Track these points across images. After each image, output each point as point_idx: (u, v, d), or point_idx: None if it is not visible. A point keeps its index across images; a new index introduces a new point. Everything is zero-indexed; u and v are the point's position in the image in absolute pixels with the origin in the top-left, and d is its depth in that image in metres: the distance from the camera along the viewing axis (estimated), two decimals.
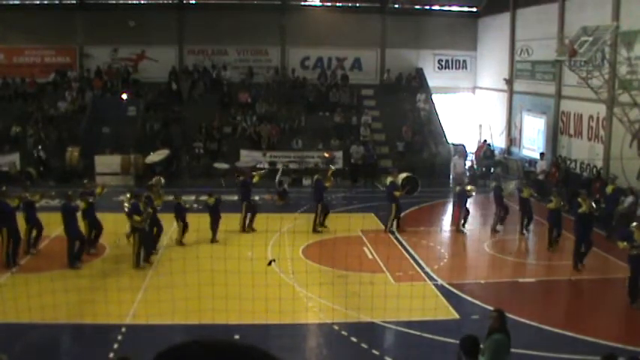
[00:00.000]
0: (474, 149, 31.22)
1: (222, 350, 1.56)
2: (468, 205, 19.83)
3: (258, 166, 27.53)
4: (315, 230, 19.09)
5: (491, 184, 21.08)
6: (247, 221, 19.14)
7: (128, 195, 16.45)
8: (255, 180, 20.24)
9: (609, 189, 19.57)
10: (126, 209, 15.82)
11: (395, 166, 23.33)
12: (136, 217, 15.43)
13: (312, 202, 20.15)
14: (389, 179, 20.42)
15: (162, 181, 18.35)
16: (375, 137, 29.98)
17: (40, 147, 26.74)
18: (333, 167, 21.22)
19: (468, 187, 20.24)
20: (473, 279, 15.54)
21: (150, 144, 27.55)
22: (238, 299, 11.75)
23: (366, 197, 24.08)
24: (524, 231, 19.12)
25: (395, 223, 19.50)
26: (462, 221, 19.67)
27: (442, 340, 11.65)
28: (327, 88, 32.09)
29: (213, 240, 17.87)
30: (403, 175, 22.33)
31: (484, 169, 29.09)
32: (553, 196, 17.25)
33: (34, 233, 16.59)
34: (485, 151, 29.74)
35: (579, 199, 15.77)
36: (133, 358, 8.20)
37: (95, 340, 11.62)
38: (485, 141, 30.39)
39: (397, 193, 19.62)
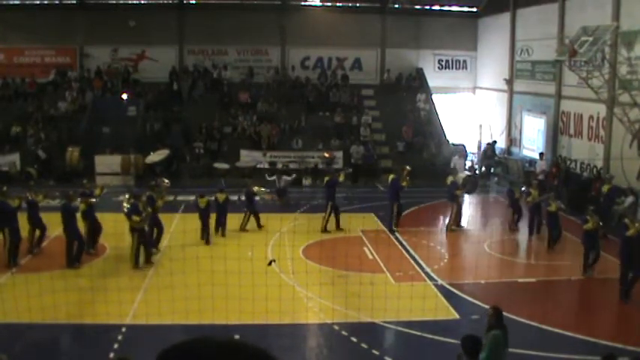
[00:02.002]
0: (475, 149, 31.24)
1: (223, 348, 1.58)
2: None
3: (258, 166, 27.58)
4: (392, 230, 19.32)
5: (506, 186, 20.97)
6: (326, 222, 19.20)
7: (128, 195, 16.46)
8: (340, 180, 20.29)
9: (605, 188, 19.70)
10: (125, 209, 15.81)
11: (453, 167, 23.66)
12: (135, 218, 15.42)
13: (388, 201, 20.17)
14: (450, 178, 20.63)
15: (167, 182, 18.43)
16: (375, 137, 29.99)
17: (39, 146, 26.76)
18: (408, 167, 20.96)
19: (523, 188, 20.23)
20: (473, 279, 15.53)
21: (150, 144, 27.56)
22: (238, 299, 11.76)
23: (366, 197, 24.08)
24: (549, 247, 17.79)
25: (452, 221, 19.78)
26: (515, 222, 19.80)
27: (442, 340, 11.65)
28: (327, 88, 32.10)
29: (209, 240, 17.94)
30: (463, 174, 22.74)
31: (484, 168, 29.11)
32: (589, 215, 15.19)
33: (37, 233, 16.62)
34: (486, 150, 29.74)
35: (626, 221, 14.14)
36: (132, 358, 8.22)
37: (95, 340, 11.62)
38: (495, 142, 30.17)
39: (458, 192, 19.89)
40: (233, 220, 18.91)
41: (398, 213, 19.58)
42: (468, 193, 21.99)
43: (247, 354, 1.58)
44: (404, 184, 19.81)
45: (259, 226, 19.11)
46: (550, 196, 18.07)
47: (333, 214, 19.24)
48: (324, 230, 19.05)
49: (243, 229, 18.96)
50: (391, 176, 20.30)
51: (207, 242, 17.72)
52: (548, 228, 17.86)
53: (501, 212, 21.77)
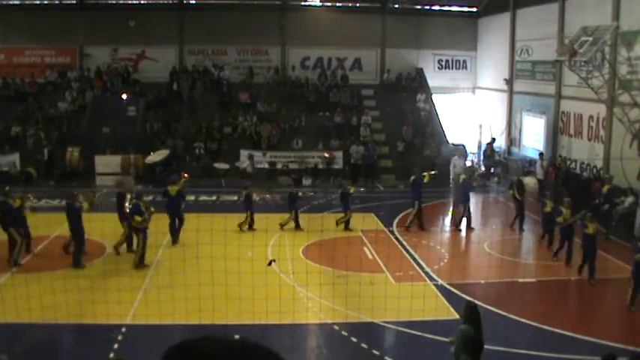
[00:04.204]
0: (475, 149, 31.18)
1: (231, 347, 1.57)
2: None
3: (257, 166, 27.57)
4: (457, 228, 19.99)
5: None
6: (419, 220, 19.80)
7: (130, 195, 16.45)
8: (425, 180, 20.55)
9: (604, 188, 19.68)
10: (127, 210, 15.82)
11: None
12: (137, 218, 15.43)
13: (459, 201, 20.74)
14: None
15: (186, 175, 18.65)
16: (375, 137, 29.98)
17: (43, 146, 26.78)
18: (478, 169, 21.54)
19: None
20: (473, 279, 15.54)
21: (150, 144, 27.55)
22: (238, 299, 11.77)
23: (366, 197, 24.07)
24: (587, 276, 15.20)
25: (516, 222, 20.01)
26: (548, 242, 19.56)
27: (442, 340, 11.64)
28: (327, 88, 32.10)
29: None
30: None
31: (484, 168, 29.09)
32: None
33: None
34: (485, 149, 29.71)
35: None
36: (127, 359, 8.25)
37: (95, 340, 11.62)
38: (494, 139, 30.16)
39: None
40: (230, 219, 18.91)
41: (468, 212, 20.07)
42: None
43: (257, 354, 1.57)
44: (474, 184, 20.58)
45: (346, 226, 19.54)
46: (586, 215, 15.38)
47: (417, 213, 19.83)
48: (422, 228, 19.76)
49: (347, 227, 19.39)
50: (462, 177, 20.72)
51: (240, 228, 18.80)
52: (588, 254, 15.11)
53: (503, 212, 21.73)
